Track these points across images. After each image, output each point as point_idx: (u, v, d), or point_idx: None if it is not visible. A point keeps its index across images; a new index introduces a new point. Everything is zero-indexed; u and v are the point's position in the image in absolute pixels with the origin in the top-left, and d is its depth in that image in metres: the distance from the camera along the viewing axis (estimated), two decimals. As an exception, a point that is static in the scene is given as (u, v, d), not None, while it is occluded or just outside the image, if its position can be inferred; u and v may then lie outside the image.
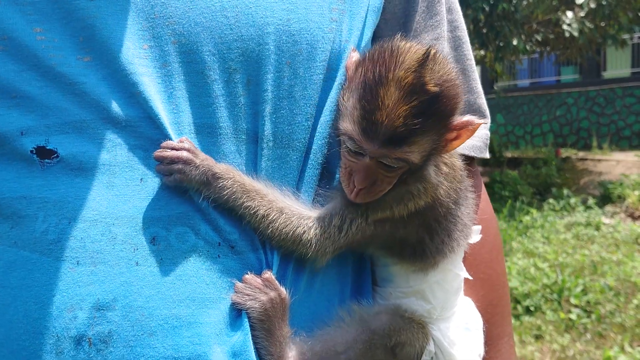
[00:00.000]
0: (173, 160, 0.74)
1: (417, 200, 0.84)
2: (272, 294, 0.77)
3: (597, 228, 7.65)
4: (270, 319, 0.77)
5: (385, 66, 0.76)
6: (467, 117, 0.81)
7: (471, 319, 0.97)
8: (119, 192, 0.73)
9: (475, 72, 1.08)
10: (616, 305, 5.10)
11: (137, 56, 0.75)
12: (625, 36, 11.31)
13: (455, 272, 0.94)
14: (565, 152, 13.50)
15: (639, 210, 8.57)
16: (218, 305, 0.74)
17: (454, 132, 0.81)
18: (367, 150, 0.77)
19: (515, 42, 9.42)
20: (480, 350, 0.95)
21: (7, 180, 0.71)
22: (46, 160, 0.72)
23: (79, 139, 0.73)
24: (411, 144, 0.76)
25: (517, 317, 5.07)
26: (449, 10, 1.06)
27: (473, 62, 1.08)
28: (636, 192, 8.91)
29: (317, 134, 0.84)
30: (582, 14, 9.69)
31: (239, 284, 0.76)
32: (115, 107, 0.74)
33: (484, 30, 9.28)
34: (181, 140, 0.75)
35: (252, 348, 0.75)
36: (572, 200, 9.02)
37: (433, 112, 0.75)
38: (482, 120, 0.82)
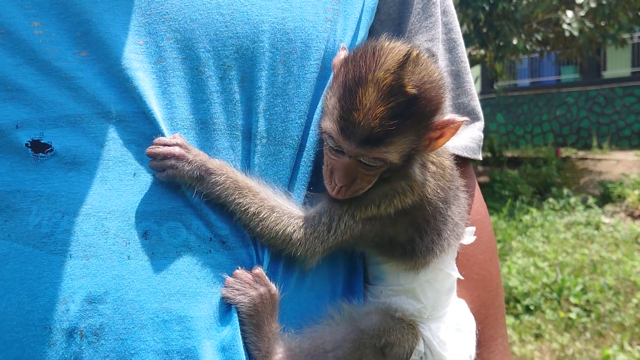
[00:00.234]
0: (165, 156, 0.74)
1: (403, 197, 0.84)
2: (262, 289, 0.77)
3: (597, 227, 7.65)
4: (259, 314, 0.77)
5: (366, 66, 0.76)
6: (449, 116, 0.81)
7: (463, 320, 0.97)
8: (112, 186, 0.73)
9: (470, 75, 1.09)
10: (616, 304, 5.11)
11: (132, 51, 0.76)
12: (626, 36, 11.31)
13: (446, 272, 0.94)
14: (565, 152, 13.49)
15: (639, 209, 8.56)
16: (208, 300, 0.75)
17: (437, 131, 0.81)
18: (345, 150, 0.78)
19: (515, 42, 9.42)
20: (471, 351, 0.95)
21: (1, 174, 0.72)
22: (40, 154, 0.72)
23: (73, 133, 0.73)
24: (388, 144, 0.76)
25: (516, 316, 5.07)
26: (444, 12, 1.06)
27: (467, 64, 1.09)
28: (636, 192, 8.90)
29: (310, 132, 0.85)
30: (582, 13, 9.69)
31: (229, 279, 0.76)
32: (110, 102, 0.75)
33: (484, 30, 9.28)
34: (174, 137, 0.76)
35: (241, 343, 0.76)
36: (572, 200, 9.01)
37: (411, 113, 0.76)
38: (467, 119, 0.82)
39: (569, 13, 9.78)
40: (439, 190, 0.87)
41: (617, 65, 16.15)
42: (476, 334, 0.99)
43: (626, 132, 14.43)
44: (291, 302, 0.83)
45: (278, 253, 0.82)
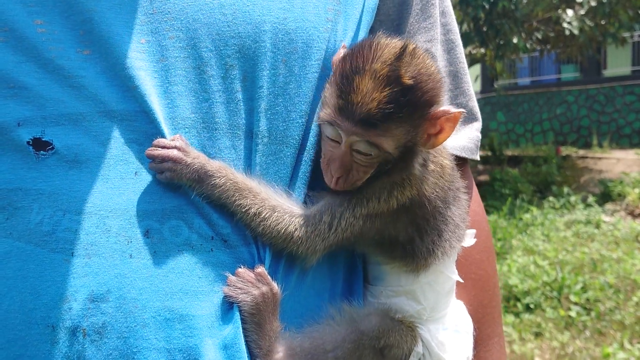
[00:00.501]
0: (164, 159, 0.74)
1: (402, 190, 0.85)
2: (264, 288, 0.77)
3: (597, 226, 7.66)
4: (261, 313, 0.77)
5: (363, 59, 0.78)
6: (445, 107, 0.82)
7: (461, 322, 0.97)
8: (113, 185, 0.73)
9: (468, 75, 1.09)
10: (616, 302, 5.11)
11: (134, 50, 0.76)
12: (626, 34, 11.30)
13: (447, 274, 0.94)
14: (565, 150, 13.50)
15: (639, 208, 8.57)
16: (210, 298, 0.75)
17: (436, 125, 0.82)
18: (342, 129, 0.79)
19: (515, 40, 9.42)
20: (469, 353, 0.96)
21: (3, 172, 0.72)
22: (41, 152, 0.72)
23: (75, 131, 0.73)
24: (385, 130, 0.78)
25: (517, 314, 5.08)
26: (443, 13, 1.07)
27: (465, 65, 1.09)
28: (636, 190, 8.91)
29: (311, 132, 0.85)
30: (582, 11, 9.69)
31: (231, 277, 0.77)
32: (112, 100, 0.75)
33: (484, 28, 9.27)
34: (173, 139, 0.76)
35: (243, 341, 0.76)
36: (572, 198, 9.03)
37: (407, 103, 0.77)
38: (464, 110, 0.83)
39: (569, 11, 9.78)
40: (437, 189, 0.88)
41: (618, 63, 16.14)
42: (473, 334, 0.99)
43: (626, 130, 14.43)
44: (291, 301, 0.83)
45: (279, 252, 0.82)
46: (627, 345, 4.36)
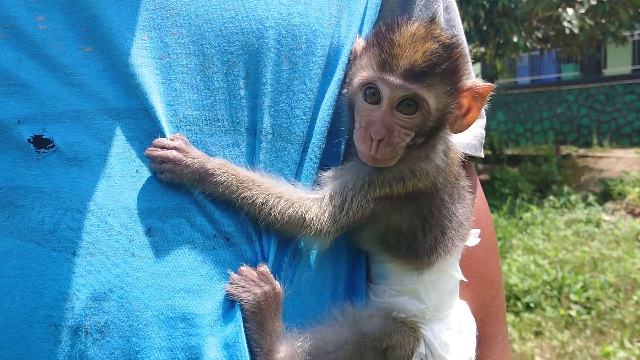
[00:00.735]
0: (163, 160, 0.74)
1: (416, 182, 0.84)
2: (267, 287, 0.77)
3: (598, 225, 7.66)
4: (262, 312, 0.77)
5: (398, 26, 0.81)
6: (472, 81, 0.84)
7: (464, 322, 0.97)
8: (114, 183, 0.73)
9: (472, 72, 1.09)
10: (616, 301, 5.12)
11: (136, 47, 0.75)
12: (626, 33, 11.31)
13: (450, 273, 0.94)
14: (565, 150, 13.51)
15: (639, 207, 8.58)
16: (212, 297, 0.74)
17: (468, 98, 0.83)
18: (387, 82, 0.78)
19: (515, 39, 9.42)
20: (472, 353, 0.95)
21: (3, 170, 0.71)
22: (42, 149, 0.72)
23: (76, 129, 0.73)
24: (429, 85, 0.78)
25: (517, 313, 5.08)
26: (446, 9, 1.07)
27: (469, 61, 1.09)
28: (636, 189, 8.91)
29: (315, 128, 0.84)
30: (582, 10, 9.69)
31: (234, 275, 0.76)
32: (113, 98, 0.74)
33: (484, 27, 9.28)
34: (173, 138, 0.75)
35: (244, 340, 0.75)
36: (573, 197, 9.03)
37: (448, 57, 0.79)
38: (492, 84, 0.84)
39: (570, 10, 9.78)
40: (447, 184, 0.88)
41: (618, 62, 16.16)
42: (476, 334, 0.98)
43: (626, 129, 14.44)
44: (294, 300, 0.82)
45: (282, 249, 0.81)
46: (627, 344, 4.36)
